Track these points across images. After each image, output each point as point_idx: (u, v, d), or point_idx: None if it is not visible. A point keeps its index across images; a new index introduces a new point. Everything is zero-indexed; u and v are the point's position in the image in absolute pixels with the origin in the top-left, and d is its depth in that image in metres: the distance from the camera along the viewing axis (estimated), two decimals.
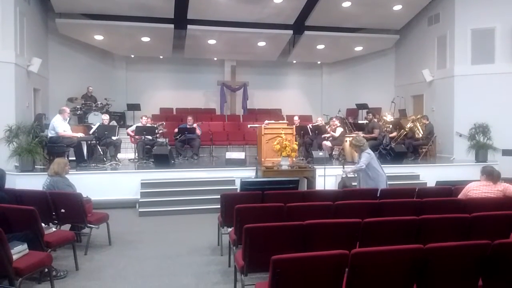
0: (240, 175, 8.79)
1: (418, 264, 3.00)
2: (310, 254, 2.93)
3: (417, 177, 9.88)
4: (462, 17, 12.39)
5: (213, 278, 4.82)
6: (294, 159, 9.41)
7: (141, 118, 11.24)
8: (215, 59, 16.37)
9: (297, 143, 9.75)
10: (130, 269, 5.12)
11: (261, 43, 14.35)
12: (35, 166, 9.05)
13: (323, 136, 11.41)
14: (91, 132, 9.97)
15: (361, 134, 10.63)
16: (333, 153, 11.38)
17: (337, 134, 11.20)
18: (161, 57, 15.86)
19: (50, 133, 9.04)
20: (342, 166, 6.63)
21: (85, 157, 9.52)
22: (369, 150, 6.58)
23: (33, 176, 8.39)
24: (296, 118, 12.62)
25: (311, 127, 11.61)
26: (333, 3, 12.31)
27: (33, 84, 11.64)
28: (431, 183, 8.53)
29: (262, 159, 9.50)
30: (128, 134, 11.36)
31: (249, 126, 12.70)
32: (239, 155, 10.26)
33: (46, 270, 4.29)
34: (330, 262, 2.89)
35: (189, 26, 13.04)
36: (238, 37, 13.74)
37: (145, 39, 13.60)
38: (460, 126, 12.21)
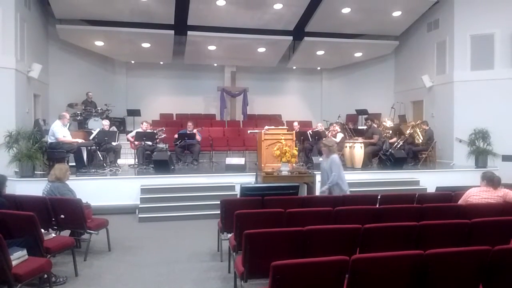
0: (240, 181, 8.77)
1: (418, 270, 3.00)
2: (310, 260, 2.92)
3: (417, 182, 9.88)
4: (461, 23, 12.44)
5: (213, 284, 4.81)
6: (294, 164, 9.40)
7: (141, 123, 11.24)
8: (215, 65, 16.42)
9: (297, 148, 9.75)
10: (129, 275, 5.11)
11: (261, 49, 14.39)
12: (35, 172, 9.04)
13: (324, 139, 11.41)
14: (91, 137, 9.98)
15: (360, 139, 10.66)
16: None
17: (338, 139, 11.20)
18: (161, 63, 15.91)
19: (50, 139, 9.05)
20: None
21: (85, 163, 9.52)
22: (336, 154, 6.61)
23: (33, 182, 8.38)
24: (296, 123, 12.64)
25: (311, 132, 11.62)
26: (332, 9, 12.36)
27: (33, 89, 11.67)
28: (431, 189, 8.52)
29: (262, 165, 9.50)
30: (128, 140, 11.35)
31: (249, 131, 12.71)
32: (239, 160, 10.25)
33: (46, 276, 4.28)
34: (330, 268, 2.89)
35: (189, 32, 13.09)
36: (238, 43, 13.79)
37: (146, 45, 13.64)
38: (460, 131, 12.22)
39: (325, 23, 13.35)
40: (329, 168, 6.42)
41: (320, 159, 9.86)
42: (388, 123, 12.75)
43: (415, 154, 11.84)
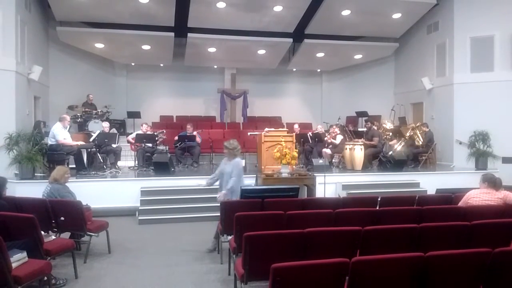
0: None
1: (418, 272, 3.00)
2: (311, 262, 2.92)
3: (417, 184, 9.87)
4: (461, 25, 12.46)
5: (213, 287, 4.81)
6: (294, 166, 9.40)
7: (141, 125, 11.26)
8: (215, 67, 16.43)
9: (297, 150, 9.75)
10: (129, 277, 5.10)
11: (261, 51, 14.41)
12: (35, 174, 9.04)
13: (325, 139, 11.42)
14: (91, 140, 9.98)
15: (360, 141, 10.66)
16: (333, 160, 11.39)
17: (337, 141, 11.21)
18: (161, 65, 15.91)
19: (50, 141, 9.04)
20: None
21: (85, 165, 9.52)
22: (240, 158, 6.36)
23: (33, 184, 8.37)
24: (296, 126, 12.63)
25: (311, 135, 11.63)
26: (332, 11, 12.37)
27: (34, 92, 11.67)
28: (431, 191, 8.52)
29: (262, 167, 9.49)
30: (128, 142, 11.37)
31: (249, 133, 12.71)
32: None
33: (45, 278, 4.28)
34: (330, 270, 2.88)
35: (189, 34, 13.10)
36: (238, 45, 13.80)
37: (146, 47, 13.65)
38: (460, 133, 12.22)
39: (325, 25, 13.36)
40: (231, 171, 6.10)
41: (320, 161, 9.94)
42: (388, 125, 12.74)
43: (415, 156, 11.83)
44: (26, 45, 11.04)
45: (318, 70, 17.27)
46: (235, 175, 6.05)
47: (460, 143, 12.17)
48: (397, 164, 10.34)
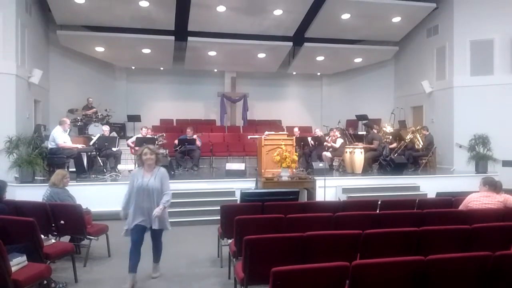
0: (240, 186, 8.75)
1: (419, 275, 2.99)
2: (311, 266, 2.92)
3: (417, 188, 9.86)
4: (461, 29, 12.48)
5: None
6: (294, 170, 9.40)
7: (141, 129, 11.26)
8: (215, 70, 16.45)
9: (297, 154, 9.75)
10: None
11: (261, 55, 14.43)
12: (35, 178, 9.04)
13: (325, 144, 11.43)
14: (91, 143, 9.98)
15: (360, 145, 10.66)
16: (333, 164, 11.38)
17: (337, 145, 11.21)
18: (161, 68, 15.94)
19: (50, 145, 9.04)
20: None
21: (85, 169, 9.51)
22: None
23: (33, 188, 8.36)
24: (296, 129, 12.64)
25: (311, 141, 11.64)
26: (332, 15, 12.40)
27: (34, 95, 11.68)
28: (431, 194, 8.50)
29: (262, 170, 9.49)
30: (128, 145, 11.35)
31: (249, 137, 12.71)
32: (239, 166, 10.25)
33: (45, 282, 4.27)
34: (330, 274, 2.88)
35: (189, 38, 13.12)
36: (238, 48, 13.82)
37: (146, 50, 13.67)
38: (460, 137, 12.21)
39: (325, 29, 13.39)
40: (159, 184, 4.95)
41: (320, 165, 9.91)
42: (388, 129, 12.74)
43: (415, 160, 11.82)
44: (27, 48, 11.06)
45: (318, 74, 17.30)
46: (168, 189, 5.01)
47: (460, 146, 12.16)
48: (397, 168, 10.33)
